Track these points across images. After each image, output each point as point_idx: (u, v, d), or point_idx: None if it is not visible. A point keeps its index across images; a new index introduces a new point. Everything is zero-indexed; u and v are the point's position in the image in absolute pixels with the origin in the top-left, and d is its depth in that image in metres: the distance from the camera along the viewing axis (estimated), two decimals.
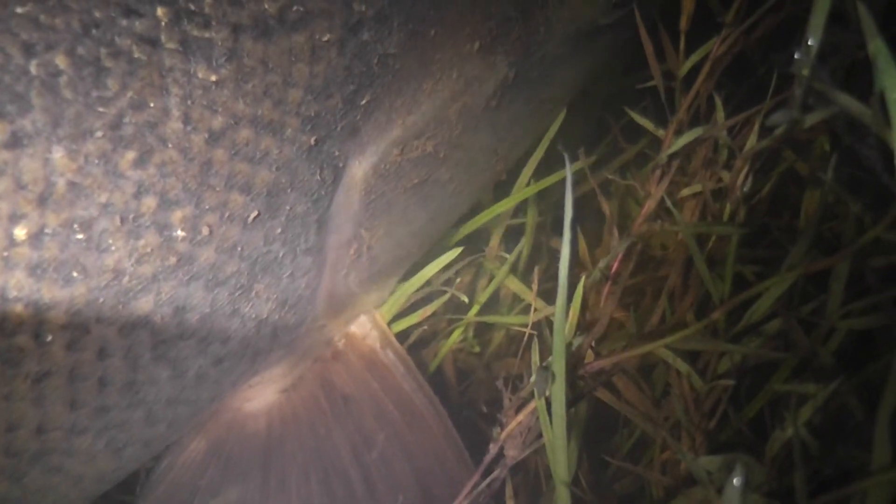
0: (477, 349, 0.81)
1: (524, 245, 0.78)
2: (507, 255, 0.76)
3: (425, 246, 0.72)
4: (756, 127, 0.66)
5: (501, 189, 0.76)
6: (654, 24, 0.74)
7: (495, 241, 0.79)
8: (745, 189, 0.67)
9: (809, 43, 0.55)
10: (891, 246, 0.61)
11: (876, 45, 0.49)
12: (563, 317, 0.56)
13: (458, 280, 0.75)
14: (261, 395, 0.68)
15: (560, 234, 0.52)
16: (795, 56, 0.55)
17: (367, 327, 0.69)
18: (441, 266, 0.70)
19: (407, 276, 0.73)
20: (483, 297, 0.76)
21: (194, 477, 0.67)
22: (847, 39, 0.63)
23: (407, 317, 0.75)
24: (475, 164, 0.70)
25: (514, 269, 0.78)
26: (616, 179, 0.75)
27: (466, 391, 0.81)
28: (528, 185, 0.75)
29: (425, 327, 0.76)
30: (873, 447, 0.50)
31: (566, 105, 0.75)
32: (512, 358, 0.78)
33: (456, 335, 0.77)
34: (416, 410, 0.67)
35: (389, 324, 0.72)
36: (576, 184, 0.77)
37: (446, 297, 0.73)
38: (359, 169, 0.60)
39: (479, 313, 0.77)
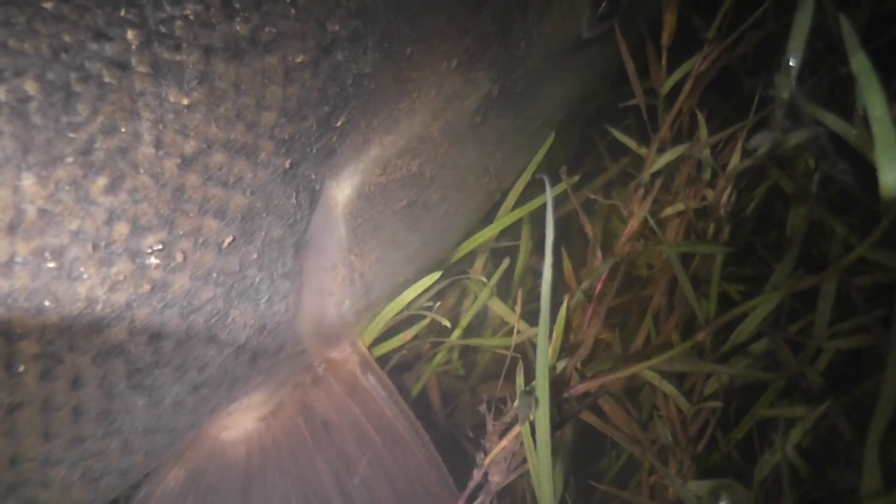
0: (462, 372, 0.80)
1: (517, 266, 0.77)
2: (492, 277, 0.75)
3: (422, 272, 0.70)
4: (739, 145, 0.65)
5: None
6: (643, 39, 0.74)
7: (479, 263, 0.78)
8: (729, 208, 0.66)
9: (791, 63, 0.55)
10: (876, 265, 0.60)
11: (859, 61, 0.48)
12: (546, 341, 0.55)
13: (439, 304, 0.73)
14: (240, 423, 0.66)
15: None
16: (775, 77, 0.54)
17: (347, 352, 0.68)
18: (421, 290, 0.69)
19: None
20: (465, 321, 0.75)
21: None
22: (829, 56, 0.62)
23: (388, 340, 0.73)
24: (466, 184, 0.69)
25: (501, 292, 0.77)
26: (599, 199, 0.74)
27: (452, 414, 0.80)
28: (513, 208, 0.74)
29: (405, 351, 0.75)
30: (863, 472, 0.49)
31: (559, 121, 0.75)
32: (497, 381, 0.77)
33: (439, 358, 0.76)
34: (397, 435, 0.66)
35: (370, 347, 0.71)
36: (560, 203, 0.77)
37: (427, 320, 0.72)
38: (338, 191, 0.59)
39: (465, 336, 0.76)
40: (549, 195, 0.53)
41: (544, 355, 0.55)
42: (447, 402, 0.81)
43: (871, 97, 0.47)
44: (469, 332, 0.77)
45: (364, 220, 0.61)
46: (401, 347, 0.74)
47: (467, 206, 0.71)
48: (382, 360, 0.72)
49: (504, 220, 0.73)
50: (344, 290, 0.63)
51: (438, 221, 0.68)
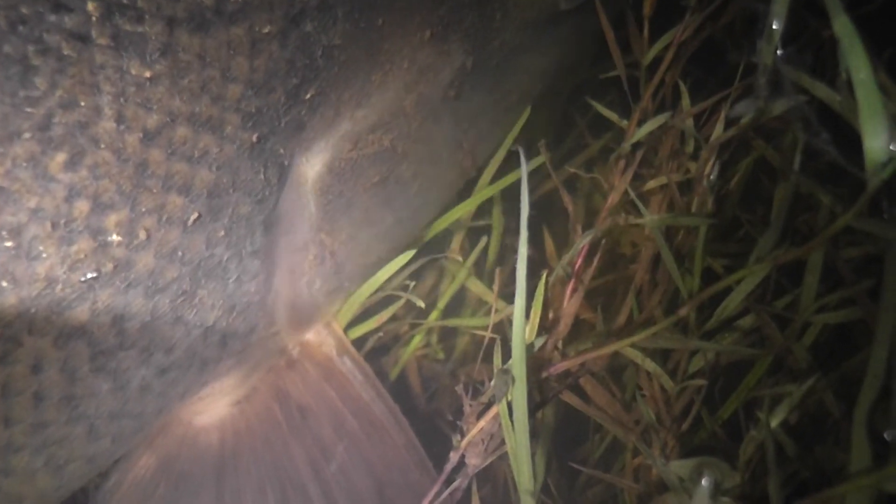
0: (442, 355, 0.79)
1: (491, 246, 0.76)
2: (470, 257, 0.74)
3: (395, 251, 0.69)
4: (722, 115, 0.64)
5: (463, 189, 0.73)
6: (623, 10, 0.72)
7: (457, 242, 0.77)
8: (712, 178, 0.65)
9: (774, 27, 0.53)
10: (864, 236, 0.58)
11: (841, 23, 0.46)
12: (523, 316, 0.54)
13: (413, 284, 0.72)
14: (212, 408, 0.65)
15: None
16: (758, 43, 0.53)
17: (322, 334, 0.67)
18: (395, 269, 0.67)
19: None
20: (443, 302, 0.73)
21: (145, 495, 0.64)
22: (814, 23, 0.61)
23: (364, 322, 0.72)
24: (439, 160, 0.67)
25: (479, 273, 0.75)
26: (581, 174, 0.72)
27: (432, 399, 0.79)
28: (490, 185, 0.72)
29: (381, 334, 0.73)
30: (851, 449, 0.47)
31: (536, 96, 0.73)
32: (476, 363, 0.76)
33: (416, 341, 0.75)
34: (375, 420, 0.65)
35: (346, 330, 0.69)
36: (542, 181, 0.75)
37: (403, 301, 0.71)
38: (308, 167, 0.58)
39: (444, 317, 0.74)
40: (524, 167, 0.52)
41: (520, 330, 0.53)
42: (427, 387, 0.79)
43: (855, 60, 0.46)
44: (448, 313, 0.75)
45: (334, 196, 0.60)
46: (377, 329, 0.72)
47: (441, 183, 0.69)
48: (359, 343, 0.71)
49: (480, 195, 0.72)
50: (315, 270, 0.62)
51: (411, 198, 0.66)
